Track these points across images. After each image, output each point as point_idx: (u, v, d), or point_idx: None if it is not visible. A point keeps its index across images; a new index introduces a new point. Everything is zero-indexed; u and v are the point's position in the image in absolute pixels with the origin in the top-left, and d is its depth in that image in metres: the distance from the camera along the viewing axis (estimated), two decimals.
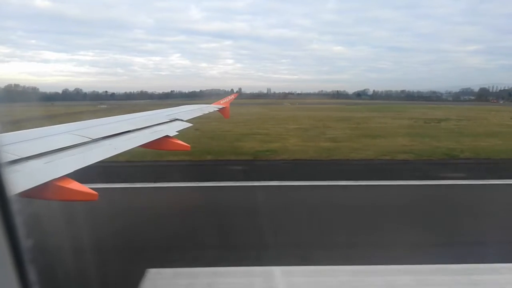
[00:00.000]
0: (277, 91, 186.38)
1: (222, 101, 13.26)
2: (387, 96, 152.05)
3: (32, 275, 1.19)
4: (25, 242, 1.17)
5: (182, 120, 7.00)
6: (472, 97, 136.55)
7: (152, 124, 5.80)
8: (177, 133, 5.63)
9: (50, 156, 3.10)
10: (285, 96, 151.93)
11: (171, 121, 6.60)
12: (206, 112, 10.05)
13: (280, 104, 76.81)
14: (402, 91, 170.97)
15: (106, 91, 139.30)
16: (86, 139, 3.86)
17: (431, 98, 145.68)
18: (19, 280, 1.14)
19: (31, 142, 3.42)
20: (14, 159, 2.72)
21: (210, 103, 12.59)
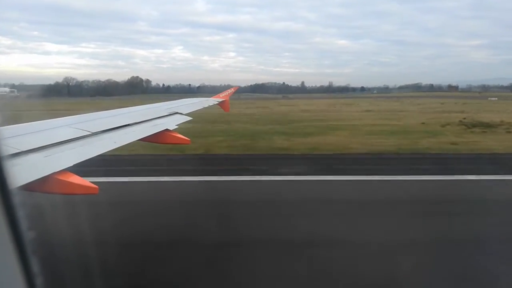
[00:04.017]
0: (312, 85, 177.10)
1: (221, 95, 13.17)
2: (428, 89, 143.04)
3: (35, 266, 1.21)
4: (28, 235, 1.19)
5: (181, 113, 7.00)
6: None
7: (152, 117, 5.80)
8: (176, 126, 5.64)
9: (50, 150, 3.10)
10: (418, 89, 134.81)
11: (170, 114, 6.60)
12: (206, 105, 10.01)
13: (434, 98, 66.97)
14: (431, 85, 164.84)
15: (190, 84, 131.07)
16: (86, 133, 3.87)
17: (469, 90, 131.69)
18: (22, 271, 1.16)
19: (31, 136, 3.43)
20: (15, 152, 2.73)
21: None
